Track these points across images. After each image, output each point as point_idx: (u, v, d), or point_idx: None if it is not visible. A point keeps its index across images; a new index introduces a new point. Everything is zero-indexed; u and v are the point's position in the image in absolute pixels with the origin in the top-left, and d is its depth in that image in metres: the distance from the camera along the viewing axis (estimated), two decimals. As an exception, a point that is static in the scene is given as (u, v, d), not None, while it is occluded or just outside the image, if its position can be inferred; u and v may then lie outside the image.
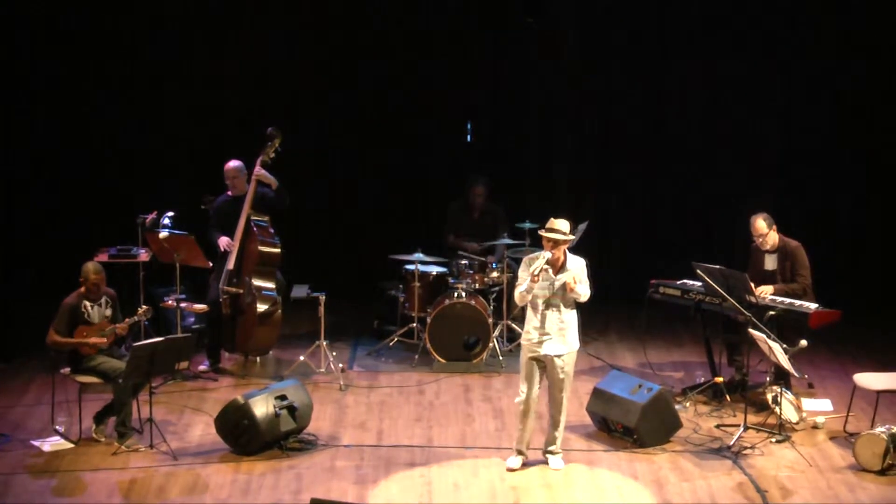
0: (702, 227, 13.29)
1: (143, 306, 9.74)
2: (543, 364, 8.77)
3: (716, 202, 13.26)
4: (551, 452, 8.95)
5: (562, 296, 8.68)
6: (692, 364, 11.25)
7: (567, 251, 8.73)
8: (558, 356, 8.73)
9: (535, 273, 8.57)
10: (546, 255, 8.59)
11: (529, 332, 8.78)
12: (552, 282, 8.67)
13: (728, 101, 13.15)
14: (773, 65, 13.07)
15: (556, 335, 8.70)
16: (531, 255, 8.73)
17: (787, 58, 13.03)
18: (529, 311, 8.77)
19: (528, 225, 11.29)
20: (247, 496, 8.49)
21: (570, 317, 8.78)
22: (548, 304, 8.68)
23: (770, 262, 10.25)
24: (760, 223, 10.17)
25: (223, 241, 10.90)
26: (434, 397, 10.49)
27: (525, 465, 8.93)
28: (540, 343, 8.72)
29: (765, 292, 10.01)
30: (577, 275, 8.69)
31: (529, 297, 8.68)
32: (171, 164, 13.08)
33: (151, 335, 10.46)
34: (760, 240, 10.19)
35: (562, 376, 8.77)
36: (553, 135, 13.34)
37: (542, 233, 8.70)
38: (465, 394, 10.57)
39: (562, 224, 8.67)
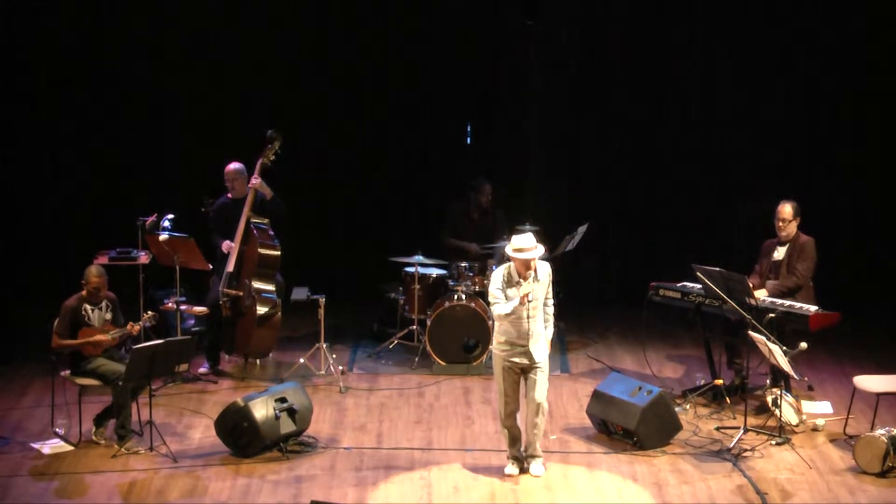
0: (702, 228, 13.30)
1: (149, 312, 9.76)
2: (520, 371, 8.75)
3: (716, 203, 13.28)
4: (532, 457, 8.91)
5: (539, 305, 8.65)
6: (692, 366, 11.25)
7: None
8: (540, 362, 8.71)
9: (529, 299, 8.53)
10: (531, 273, 8.56)
11: (505, 341, 8.68)
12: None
13: (729, 101, 13.15)
14: (774, 66, 13.08)
15: (533, 343, 8.67)
16: (501, 270, 8.68)
17: (787, 58, 13.05)
18: (504, 321, 8.69)
19: (527, 227, 11.28)
20: (246, 498, 8.49)
21: (543, 323, 8.79)
22: (527, 315, 8.62)
23: (780, 253, 10.27)
24: (787, 209, 10.19)
25: (225, 245, 10.91)
26: (434, 399, 10.49)
27: (523, 469, 8.91)
28: (518, 353, 8.66)
29: (759, 296, 10.00)
30: (546, 284, 8.70)
31: (513, 316, 8.64)
32: (171, 165, 13.08)
33: (151, 337, 10.46)
34: (781, 224, 10.19)
35: (542, 381, 8.75)
36: (552, 136, 13.34)
37: (514, 255, 8.59)
38: (465, 396, 10.57)
39: (529, 240, 8.64)
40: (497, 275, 8.71)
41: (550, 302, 8.85)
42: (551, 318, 8.86)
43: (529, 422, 8.83)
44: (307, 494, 8.45)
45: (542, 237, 8.81)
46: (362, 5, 13.12)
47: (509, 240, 8.74)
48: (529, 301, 8.54)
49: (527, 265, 8.58)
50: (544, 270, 8.73)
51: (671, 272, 10.92)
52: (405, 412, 10.19)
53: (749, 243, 11.18)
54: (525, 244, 8.60)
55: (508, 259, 8.72)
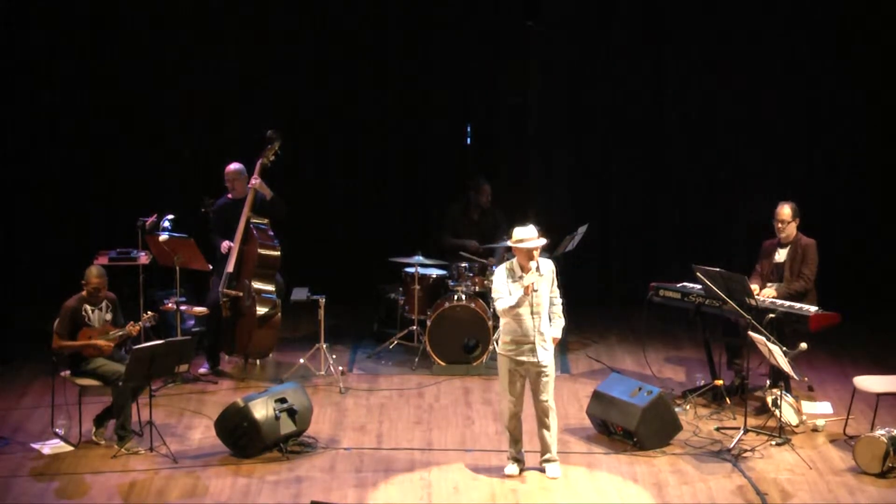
0: (702, 228, 13.29)
1: (149, 312, 9.76)
2: (525, 371, 8.75)
3: (716, 204, 13.27)
4: (548, 461, 8.90)
5: (543, 301, 8.66)
6: (692, 367, 11.25)
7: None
8: (546, 365, 8.70)
9: (535, 289, 8.54)
10: (533, 264, 8.57)
11: (511, 340, 8.67)
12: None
13: (729, 103, 13.14)
14: (774, 67, 13.08)
15: (540, 341, 8.67)
16: (506, 266, 8.69)
17: (788, 59, 13.05)
18: (508, 319, 8.68)
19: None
20: (246, 499, 8.49)
21: (548, 320, 8.79)
22: (531, 312, 8.65)
23: (781, 255, 10.27)
24: (786, 210, 10.20)
25: (224, 245, 10.91)
26: (434, 400, 10.49)
27: (523, 469, 8.92)
28: (525, 351, 8.65)
29: (766, 295, 10.01)
30: (549, 277, 8.70)
31: (518, 309, 8.64)
32: (171, 166, 13.07)
33: (151, 338, 10.46)
34: (780, 225, 10.20)
35: (548, 381, 8.75)
36: (552, 137, 13.34)
37: (518, 245, 8.60)
38: (465, 396, 10.57)
39: (530, 231, 8.65)
40: (500, 271, 8.71)
41: (558, 301, 8.85)
42: (559, 316, 8.85)
43: (542, 425, 8.81)
44: (307, 495, 8.46)
45: (542, 237, 8.79)
46: (362, 5, 13.11)
47: (509, 239, 8.75)
48: (535, 291, 8.54)
49: (529, 255, 8.58)
50: (547, 266, 8.73)
51: (671, 272, 10.92)
52: (405, 413, 10.19)
53: (749, 243, 11.18)
54: (526, 234, 8.62)
55: (510, 257, 8.73)
